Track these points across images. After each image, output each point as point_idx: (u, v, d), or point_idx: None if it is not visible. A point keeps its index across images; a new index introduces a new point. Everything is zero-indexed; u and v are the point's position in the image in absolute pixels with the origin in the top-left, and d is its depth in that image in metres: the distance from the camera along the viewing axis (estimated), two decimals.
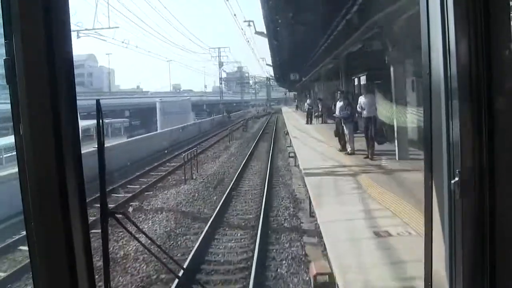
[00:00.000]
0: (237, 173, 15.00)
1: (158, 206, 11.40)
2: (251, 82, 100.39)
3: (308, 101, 25.71)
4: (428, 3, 1.63)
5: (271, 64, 38.11)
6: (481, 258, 1.49)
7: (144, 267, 6.95)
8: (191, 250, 7.58)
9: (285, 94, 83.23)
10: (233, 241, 8.27)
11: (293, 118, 34.46)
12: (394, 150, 9.76)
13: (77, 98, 1.22)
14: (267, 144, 25.15)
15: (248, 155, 19.82)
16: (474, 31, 1.47)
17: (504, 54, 1.48)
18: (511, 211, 1.48)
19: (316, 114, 23.44)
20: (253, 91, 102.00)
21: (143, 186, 13.76)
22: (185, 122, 36.81)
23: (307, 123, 23.80)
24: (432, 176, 1.67)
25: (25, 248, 7.70)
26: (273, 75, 57.33)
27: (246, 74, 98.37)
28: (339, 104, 11.49)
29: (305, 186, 9.72)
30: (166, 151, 22.61)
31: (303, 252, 7.33)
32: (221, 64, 76.38)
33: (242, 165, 16.83)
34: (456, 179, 1.51)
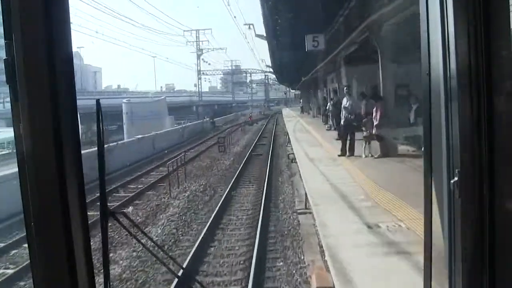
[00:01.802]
0: None
1: None
2: (247, 80, 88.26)
3: (345, 100, 11.22)
4: (428, 2, 1.63)
5: (264, 35, 21.79)
6: (481, 258, 1.49)
7: None
8: None
9: (285, 94, 76.92)
10: None
11: (302, 132, 19.18)
12: None
13: None
14: (255, 191, 12.32)
15: (193, 252, 7.42)
16: (473, 31, 1.47)
17: (504, 54, 1.48)
18: (511, 211, 1.48)
19: (367, 133, 10.25)
20: (250, 91, 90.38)
21: None
22: (160, 128, 27.99)
23: (343, 153, 10.65)
24: (432, 176, 1.68)
25: None
26: (270, 64, 40.95)
27: (244, 74, 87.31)
28: None
29: None
30: None
31: None
32: (199, 52, 57.74)
33: None
34: (456, 179, 1.51)
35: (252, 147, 23.76)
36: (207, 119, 43.35)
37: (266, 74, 75.99)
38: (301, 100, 47.48)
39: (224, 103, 77.56)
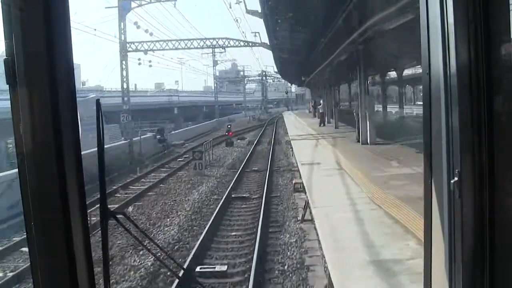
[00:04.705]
0: None
1: None
2: (244, 78, 69.07)
3: None
4: (428, 3, 1.63)
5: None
6: (481, 258, 1.49)
7: None
8: None
9: (286, 93, 70.28)
10: None
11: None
12: None
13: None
14: None
15: None
16: (474, 31, 1.47)
17: (504, 54, 1.48)
18: (511, 211, 1.48)
19: None
20: (244, 89, 70.49)
21: None
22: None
23: None
24: (432, 175, 1.68)
25: None
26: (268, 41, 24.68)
27: (241, 72, 68.85)
28: None
29: None
30: None
31: None
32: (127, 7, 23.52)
33: None
34: (456, 179, 1.51)
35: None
36: (154, 134, 24.17)
37: (263, 70, 63.24)
38: (321, 102, 27.27)
39: (215, 104, 56.12)
